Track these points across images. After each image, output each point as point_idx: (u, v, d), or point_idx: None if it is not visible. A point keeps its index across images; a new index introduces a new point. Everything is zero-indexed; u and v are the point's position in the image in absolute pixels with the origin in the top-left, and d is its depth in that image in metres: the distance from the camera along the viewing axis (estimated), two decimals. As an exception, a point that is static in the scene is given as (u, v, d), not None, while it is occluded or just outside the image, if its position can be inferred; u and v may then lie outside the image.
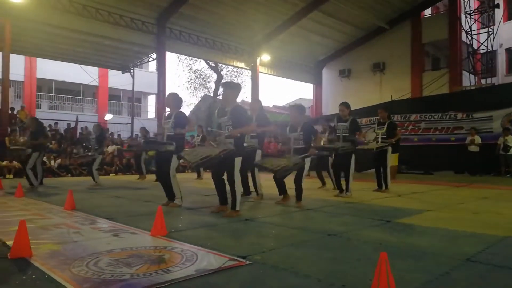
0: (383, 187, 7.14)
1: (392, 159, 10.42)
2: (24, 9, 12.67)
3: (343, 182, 6.39)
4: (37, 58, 21.09)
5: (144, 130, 11.50)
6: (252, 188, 6.27)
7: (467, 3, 18.43)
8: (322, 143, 6.82)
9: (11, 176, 11.62)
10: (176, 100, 5.36)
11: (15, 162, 11.73)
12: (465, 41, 18.64)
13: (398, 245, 3.04)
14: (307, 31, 18.90)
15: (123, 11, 15.16)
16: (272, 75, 21.58)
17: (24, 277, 2.21)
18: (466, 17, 18.47)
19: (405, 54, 19.60)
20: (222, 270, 2.36)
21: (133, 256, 2.65)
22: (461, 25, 18.39)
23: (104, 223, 3.93)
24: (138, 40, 16.26)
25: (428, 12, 20.83)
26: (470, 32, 18.29)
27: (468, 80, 18.75)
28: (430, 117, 13.88)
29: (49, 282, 2.12)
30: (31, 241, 2.82)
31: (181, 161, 6.08)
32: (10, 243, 2.83)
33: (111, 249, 2.83)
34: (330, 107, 21.38)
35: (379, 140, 7.22)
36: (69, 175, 12.86)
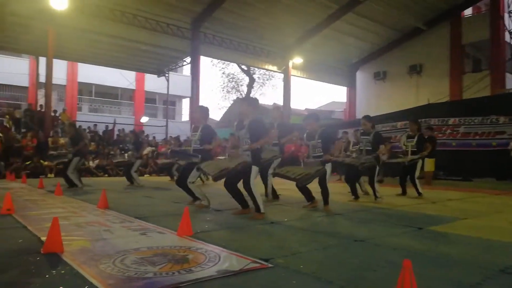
0: (417, 195, 6.96)
1: (428, 165, 10.11)
2: (66, 16, 13.32)
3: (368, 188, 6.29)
4: (79, 63, 22.10)
5: (176, 140, 12.25)
6: (279, 192, 6.30)
7: (510, 2, 17.58)
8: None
9: (53, 175, 12.20)
10: (203, 113, 5.58)
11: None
12: (509, 42, 17.76)
13: (428, 253, 2.92)
14: (340, 33, 18.69)
15: (159, 17, 15.62)
16: (305, 78, 21.49)
17: (54, 272, 2.30)
18: (510, 16, 17.60)
19: (443, 55, 18.93)
20: (243, 272, 2.36)
21: (158, 255, 2.71)
22: (504, 25, 17.53)
23: (133, 222, 4.04)
24: (173, 45, 16.70)
25: (468, 12, 20.02)
26: (514, 32, 17.41)
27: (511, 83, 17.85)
28: (470, 121, 13.29)
29: (76, 278, 2.20)
30: (65, 237, 2.96)
31: None
32: (44, 238, 2.96)
33: (138, 248, 2.90)
34: (364, 110, 20.95)
35: (409, 153, 7.12)
36: (106, 175, 13.34)
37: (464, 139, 13.23)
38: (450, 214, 4.97)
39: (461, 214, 4.97)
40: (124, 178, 9.82)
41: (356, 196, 6.37)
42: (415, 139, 7.13)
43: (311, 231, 3.79)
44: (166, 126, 21.19)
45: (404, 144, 7.40)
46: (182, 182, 5.47)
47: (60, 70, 20.95)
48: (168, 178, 11.74)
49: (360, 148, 6.42)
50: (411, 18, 18.40)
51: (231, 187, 4.67)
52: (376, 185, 6.23)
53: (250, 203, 4.61)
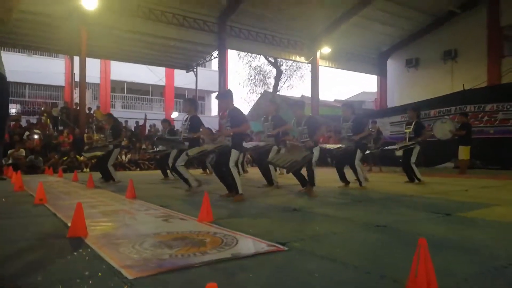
0: (415, 181, 7.15)
1: (462, 153, 9.73)
2: (96, 15, 13.72)
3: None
4: (111, 62, 22.76)
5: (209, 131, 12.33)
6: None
7: (554, -22, 16.45)
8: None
9: (88, 170, 12.68)
10: (192, 105, 6.16)
11: (91, 157, 12.76)
12: (552, 22, 16.66)
13: (453, 238, 2.81)
14: (369, 20, 18.15)
15: (186, 12, 15.79)
16: (333, 67, 21.08)
17: (75, 253, 2.40)
18: (553, -6, 16.49)
19: (480, 39, 17.97)
20: (258, 254, 2.36)
21: (177, 239, 2.75)
22: (547, 3, 16.46)
23: (158, 210, 4.13)
24: (201, 39, 16.82)
25: (507, -9, 18.90)
26: (558, 11, 16.31)
27: (556, 65, 16.74)
28: (508, 106, 12.64)
29: (95, 259, 2.28)
30: (90, 223, 3.07)
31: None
32: (70, 224, 3.08)
33: (158, 232, 2.96)
34: (396, 100, 20.39)
35: (407, 139, 7.33)
36: (138, 169, 13.72)
37: (502, 126, 12.62)
38: (484, 201, 4.75)
39: (494, 201, 4.74)
40: (154, 172, 10.03)
41: (346, 182, 6.55)
42: (412, 126, 7.32)
43: (333, 217, 3.73)
44: (196, 120, 21.41)
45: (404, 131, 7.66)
46: (174, 168, 6.10)
47: (94, 69, 21.68)
48: (200, 170, 11.89)
49: (343, 135, 6.67)
50: (445, 1, 17.62)
51: (219, 171, 5.32)
52: (358, 169, 6.39)
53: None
